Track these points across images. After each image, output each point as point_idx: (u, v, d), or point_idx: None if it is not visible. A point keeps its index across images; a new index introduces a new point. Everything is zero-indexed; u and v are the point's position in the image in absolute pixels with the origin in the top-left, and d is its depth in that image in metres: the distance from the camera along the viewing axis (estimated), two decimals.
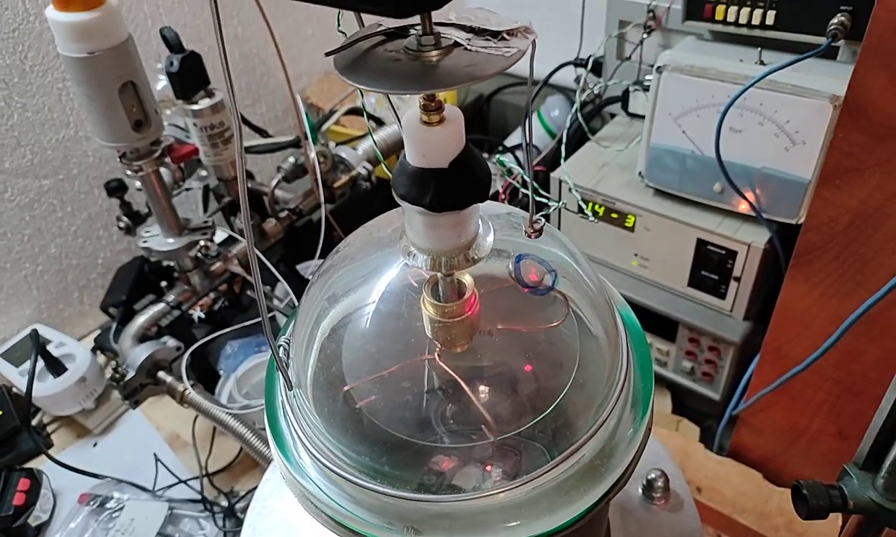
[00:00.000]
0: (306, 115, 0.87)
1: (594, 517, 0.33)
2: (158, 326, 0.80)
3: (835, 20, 0.63)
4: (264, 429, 0.70)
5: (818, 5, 0.65)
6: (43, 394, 0.86)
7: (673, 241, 0.77)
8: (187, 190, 0.90)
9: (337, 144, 0.99)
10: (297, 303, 0.71)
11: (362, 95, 0.46)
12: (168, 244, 0.77)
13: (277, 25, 0.72)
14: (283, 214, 0.91)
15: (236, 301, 0.94)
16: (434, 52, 0.25)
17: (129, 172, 0.72)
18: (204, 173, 0.92)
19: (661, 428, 0.82)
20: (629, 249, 0.82)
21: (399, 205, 0.29)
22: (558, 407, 0.34)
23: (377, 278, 0.36)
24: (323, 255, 0.85)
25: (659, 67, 0.71)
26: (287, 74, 0.78)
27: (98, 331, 1.00)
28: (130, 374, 0.73)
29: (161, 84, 0.89)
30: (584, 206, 0.82)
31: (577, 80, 0.95)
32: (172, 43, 0.73)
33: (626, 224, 0.80)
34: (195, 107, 0.76)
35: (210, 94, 0.77)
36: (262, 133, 1.03)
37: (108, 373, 0.91)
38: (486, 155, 1.22)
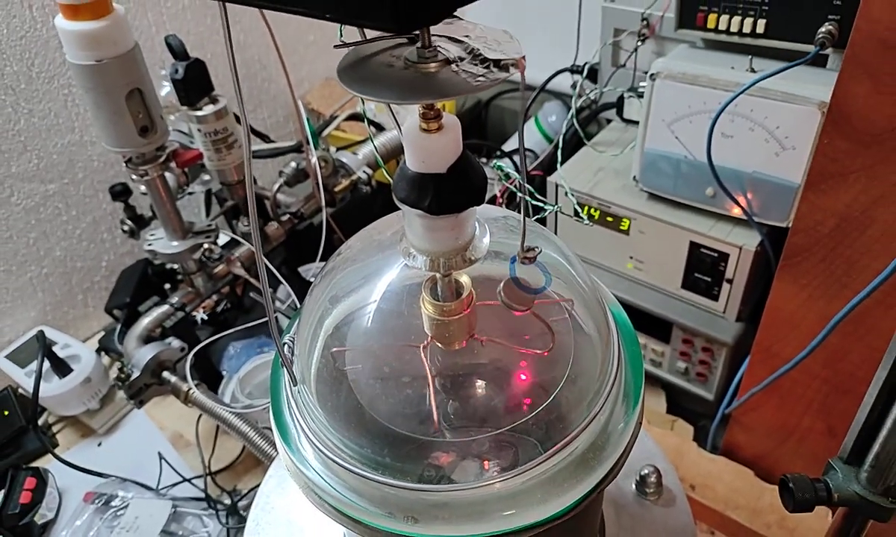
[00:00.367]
0: (307, 120, 0.88)
1: (587, 507, 0.34)
2: (163, 327, 0.82)
3: (823, 29, 0.65)
4: (267, 428, 0.72)
5: (807, 14, 0.67)
6: (49, 395, 0.87)
7: (667, 244, 0.79)
8: (190, 193, 0.92)
9: (337, 149, 1.01)
10: (298, 305, 0.73)
11: (363, 102, 0.48)
12: (172, 247, 0.79)
13: (279, 32, 0.74)
14: (284, 218, 0.92)
15: (238, 303, 0.96)
16: (432, 64, 0.26)
17: (134, 177, 0.74)
18: (207, 177, 0.93)
19: (656, 428, 0.83)
20: (624, 252, 0.84)
21: (399, 209, 0.31)
22: (553, 402, 0.35)
23: (378, 278, 0.38)
24: (324, 258, 0.87)
25: (652, 75, 0.73)
26: (289, 80, 0.80)
27: (102, 333, 1.02)
28: (136, 374, 0.75)
29: (165, 90, 0.90)
30: (579, 210, 0.83)
31: (574, 86, 0.97)
32: (177, 51, 0.75)
33: (622, 227, 0.82)
34: (199, 113, 0.77)
35: (214, 101, 0.78)
36: (265, 138, 1.05)
37: (113, 373, 0.93)
38: (484, 159, 1.24)
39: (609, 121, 0.99)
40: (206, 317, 0.94)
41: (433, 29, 0.27)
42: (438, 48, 0.27)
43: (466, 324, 0.34)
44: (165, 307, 0.82)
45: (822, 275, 0.57)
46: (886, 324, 0.39)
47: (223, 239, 0.87)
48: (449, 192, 0.29)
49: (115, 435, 0.92)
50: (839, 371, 0.61)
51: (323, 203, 0.86)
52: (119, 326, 0.88)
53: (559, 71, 1.03)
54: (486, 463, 0.35)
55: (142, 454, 0.86)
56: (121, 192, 0.83)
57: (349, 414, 0.36)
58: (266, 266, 0.79)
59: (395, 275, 0.37)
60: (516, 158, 1.12)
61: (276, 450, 0.67)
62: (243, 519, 0.77)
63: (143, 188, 0.77)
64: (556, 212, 0.87)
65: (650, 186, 0.79)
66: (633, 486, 0.54)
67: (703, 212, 0.77)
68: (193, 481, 0.82)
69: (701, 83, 0.70)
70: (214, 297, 0.92)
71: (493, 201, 0.97)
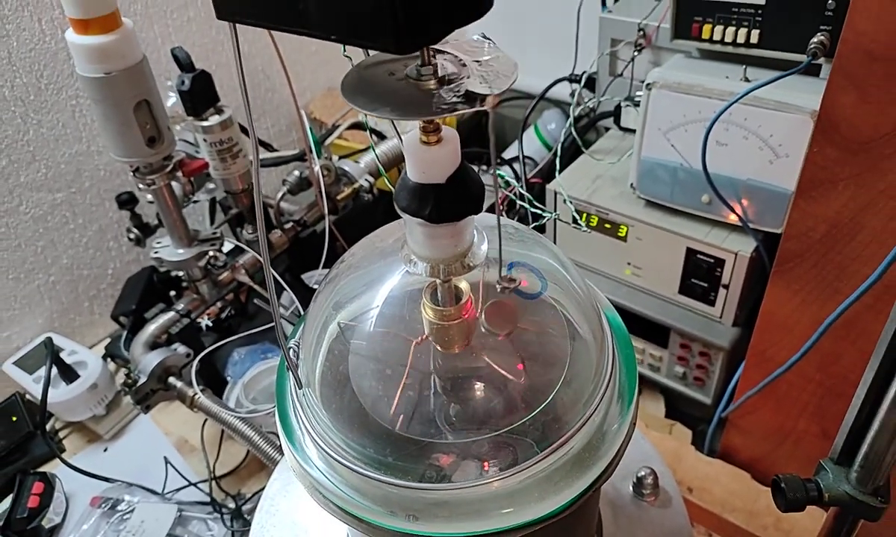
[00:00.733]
0: (310, 129, 0.90)
1: (583, 505, 0.35)
2: (168, 334, 0.83)
3: (815, 39, 0.66)
4: (270, 432, 0.73)
5: (800, 25, 0.68)
6: (56, 400, 0.88)
7: (664, 251, 0.80)
8: (195, 202, 0.93)
9: (340, 158, 1.03)
10: (302, 311, 0.74)
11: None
12: (178, 254, 0.80)
13: (282, 43, 0.75)
14: (288, 226, 0.94)
15: (243, 309, 0.97)
16: (432, 81, 0.28)
17: (141, 186, 0.76)
18: (212, 186, 0.95)
19: (655, 432, 0.84)
20: (622, 258, 0.85)
21: (400, 217, 0.32)
22: (549, 403, 0.37)
23: (380, 284, 0.39)
24: (327, 265, 0.88)
25: (648, 84, 0.74)
26: (293, 90, 0.81)
27: (108, 340, 1.03)
28: (142, 380, 0.76)
29: (171, 101, 0.92)
30: (577, 217, 0.85)
31: (573, 94, 0.99)
32: (184, 63, 0.76)
33: (619, 234, 0.83)
34: (205, 123, 0.79)
35: (219, 111, 0.80)
36: (268, 147, 1.07)
37: (119, 379, 0.94)
38: (484, 167, 1.26)
39: (607, 129, 1.01)
40: (210, 324, 0.95)
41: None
42: (437, 65, 0.28)
43: (465, 328, 0.36)
44: (171, 314, 0.84)
45: (815, 281, 0.58)
46: (877, 328, 0.40)
47: (227, 246, 0.88)
48: (448, 202, 0.31)
49: (120, 440, 0.93)
50: (832, 374, 0.62)
51: (326, 211, 0.88)
52: (125, 333, 0.89)
53: (558, 80, 1.04)
54: (485, 463, 0.36)
55: (147, 459, 0.88)
56: (127, 201, 0.85)
57: (352, 415, 0.37)
58: None
59: (397, 281, 0.38)
60: (516, 166, 1.13)
61: (280, 454, 0.69)
62: (248, 523, 0.78)
63: (149, 197, 0.78)
64: (554, 220, 0.88)
65: (647, 193, 0.81)
66: (631, 488, 0.55)
67: (699, 219, 0.78)
68: (199, 485, 0.83)
69: (696, 92, 0.72)
70: (219, 304, 0.94)
71: (492, 209, 0.98)
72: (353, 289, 0.40)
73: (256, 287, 0.87)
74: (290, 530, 0.52)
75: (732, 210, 0.74)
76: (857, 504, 0.43)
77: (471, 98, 0.26)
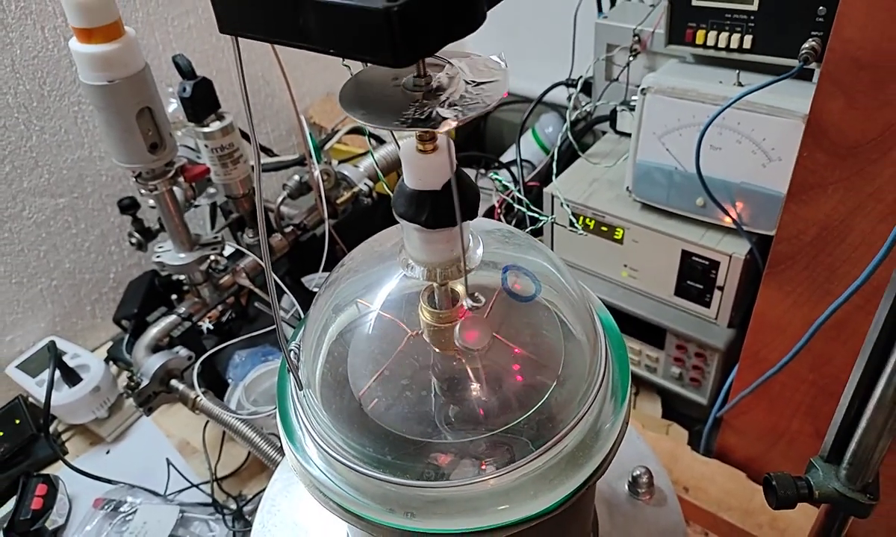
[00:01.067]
0: (310, 134, 0.91)
1: (577, 502, 0.36)
2: (170, 337, 0.84)
3: (806, 45, 0.67)
4: (271, 434, 0.74)
5: (792, 31, 0.69)
6: (59, 403, 0.89)
7: (659, 253, 0.81)
8: (196, 206, 0.94)
9: (339, 162, 1.04)
10: (302, 314, 0.75)
11: None
12: (180, 259, 0.81)
13: (281, 50, 0.76)
14: (288, 229, 0.95)
15: (243, 312, 0.98)
16: (419, 92, 0.29)
17: (143, 191, 0.76)
18: (212, 191, 0.96)
19: (652, 432, 0.85)
20: (618, 261, 0.86)
21: (398, 222, 0.33)
22: (544, 403, 0.37)
23: (379, 288, 0.40)
24: (326, 268, 0.89)
25: (643, 89, 0.75)
26: (293, 96, 0.82)
27: (110, 343, 1.04)
28: (145, 383, 0.77)
29: (172, 107, 0.93)
30: (574, 220, 0.86)
31: (569, 98, 1.00)
32: (185, 70, 0.77)
33: (615, 237, 0.84)
34: (206, 129, 0.80)
35: (220, 117, 0.81)
36: (268, 152, 1.08)
37: (122, 382, 0.95)
38: (482, 170, 1.27)
39: (603, 133, 1.02)
40: (212, 327, 0.96)
41: None
42: (431, 77, 0.29)
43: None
44: (172, 317, 0.85)
45: (806, 282, 0.59)
46: (866, 329, 0.41)
47: (228, 250, 0.89)
48: (444, 208, 0.31)
49: (123, 442, 0.94)
50: (825, 374, 0.63)
51: (325, 215, 0.89)
52: (127, 336, 0.90)
53: (555, 84, 1.06)
54: (481, 461, 0.37)
55: (149, 461, 0.88)
56: (128, 206, 0.85)
57: (351, 416, 0.38)
58: None
59: (395, 284, 0.39)
60: (514, 169, 1.14)
61: (281, 455, 0.70)
62: (249, 524, 0.79)
63: (150, 202, 0.79)
64: (551, 223, 0.89)
65: (643, 197, 0.82)
66: (626, 487, 0.56)
67: (694, 222, 0.79)
68: (200, 487, 0.84)
69: (690, 97, 0.73)
70: (220, 307, 0.95)
71: (491, 212, 0.99)
72: (352, 292, 0.41)
73: (257, 290, 0.88)
74: (291, 530, 0.53)
75: (727, 213, 0.75)
76: (847, 501, 0.44)
77: (432, 120, 0.27)
